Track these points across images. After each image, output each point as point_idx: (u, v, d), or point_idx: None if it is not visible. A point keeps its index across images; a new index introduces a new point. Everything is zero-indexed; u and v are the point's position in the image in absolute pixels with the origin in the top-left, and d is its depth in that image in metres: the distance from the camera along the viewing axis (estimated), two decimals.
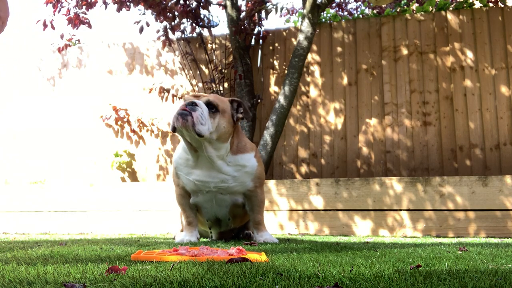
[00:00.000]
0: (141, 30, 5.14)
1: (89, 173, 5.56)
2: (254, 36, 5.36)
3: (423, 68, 5.01)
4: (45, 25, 5.04)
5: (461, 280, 1.02)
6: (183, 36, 5.50)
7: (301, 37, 4.59)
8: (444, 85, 4.94)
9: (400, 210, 3.77)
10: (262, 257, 1.46)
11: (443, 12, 5.10)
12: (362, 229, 3.80)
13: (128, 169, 5.49)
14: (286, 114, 4.56)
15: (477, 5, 5.30)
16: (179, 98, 5.41)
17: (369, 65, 5.15)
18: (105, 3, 5.15)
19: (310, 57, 5.27)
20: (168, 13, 5.16)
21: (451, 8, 5.26)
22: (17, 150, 5.77)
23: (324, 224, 3.87)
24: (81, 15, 5.13)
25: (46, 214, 4.40)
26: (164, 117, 5.50)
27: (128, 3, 5.10)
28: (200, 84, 5.42)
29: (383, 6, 6.56)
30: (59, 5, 5.09)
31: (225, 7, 5.27)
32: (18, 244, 2.29)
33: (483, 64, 4.88)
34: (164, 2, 5.10)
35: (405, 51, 5.09)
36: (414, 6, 6.16)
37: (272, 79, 5.37)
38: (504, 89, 4.79)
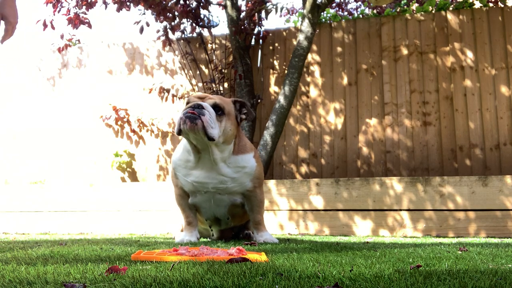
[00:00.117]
0: (141, 30, 5.14)
1: (89, 173, 5.56)
2: (254, 36, 5.36)
3: (423, 68, 5.01)
4: (45, 25, 5.04)
5: (461, 280, 1.02)
6: (183, 36, 5.50)
7: (301, 37, 4.60)
8: (444, 85, 4.94)
9: (400, 210, 3.77)
10: (262, 257, 1.46)
11: (443, 12, 5.10)
12: (362, 229, 3.80)
13: (128, 169, 5.49)
14: (286, 114, 4.56)
15: (477, 5, 5.30)
16: (179, 98, 5.41)
17: (369, 65, 5.15)
18: (105, 3, 5.15)
19: (310, 57, 5.27)
20: (168, 13, 5.16)
21: (451, 8, 5.26)
22: (17, 150, 5.77)
23: (324, 224, 3.87)
24: (81, 15, 5.13)
25: (46, 214, 4.40)
26: (164, 117, 5.50)
27: (128, 3, 5.10)
28: (200, 84, 5.42)
29: (383, 6, 6.56)
30: (59, 5, 5.09)
31: (225, 7, 5.27)
32: (18, 244, 2.29)
33: (483, 64, 4.88)
34: (164, 2, 5.10)
35: (405, 51, 5.09)
36: (414, 6, 6.16)
37: (272, 79, 5.37)
38: (504, 89, 4.79)
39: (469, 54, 4.93)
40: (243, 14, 5.29)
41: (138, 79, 5.68)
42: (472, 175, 4.67)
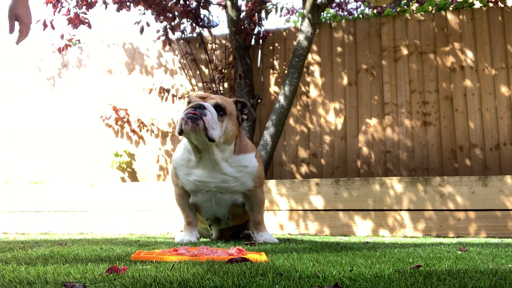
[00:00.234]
0: (142, 30, 5.14)
1: (89, 173, 5.56)
2: (254, 36, 5.36)
3: (423, 68, 5.01)
4: (45, 25, 5.04)
5: (461, 280, 1.02)
6: (183, 36, 5.50)
7: (301, 37, 4.60)
8: (444, 85, 4.94)
9: (400, 210, 3.77)
10: (262, 257, 1.46)
11: (443, 12, 5.10)
12: (362, 229, 3.80)
13: (128, 169, 5.49)
14: (286, 114, 4.56)
15: (477, 5, 5.30)
16: (179, 98, 5.41)
17: (369, 65, 5.15)
18: (105, 3, 5.15)
19: (310, 57, 5.27)
20: (168, 13, 5.16)
21: (451, 8, 5.26)
22: (17, 150, 5.77)
23: (324, 224, 3.87)
24: (81, 15, 5.13)
25: (46, 214, 4.40)
26: (164, 117, 5.50)
27: (128, 3, 5.10)
28: (200, 84, 5.42)
29: (383, 6, 6.56)
30: (59, 5, 5.09)
31: (225, 7, 5.27)
32: (18, 244, 2.29)
33: (483, 64, 4.88)
34: (164, 2, 5.10)
35: (405, 51, 5.09)
36: (414, 6, 6.16)
37: (272, 79, 5.37)
38: (504, 89, 4.79)
39: (469, 54, 4.93)
40: (243, 14, 5.29)
41: (138, 79, 5.68)
42: (472, 175, 4.67)
